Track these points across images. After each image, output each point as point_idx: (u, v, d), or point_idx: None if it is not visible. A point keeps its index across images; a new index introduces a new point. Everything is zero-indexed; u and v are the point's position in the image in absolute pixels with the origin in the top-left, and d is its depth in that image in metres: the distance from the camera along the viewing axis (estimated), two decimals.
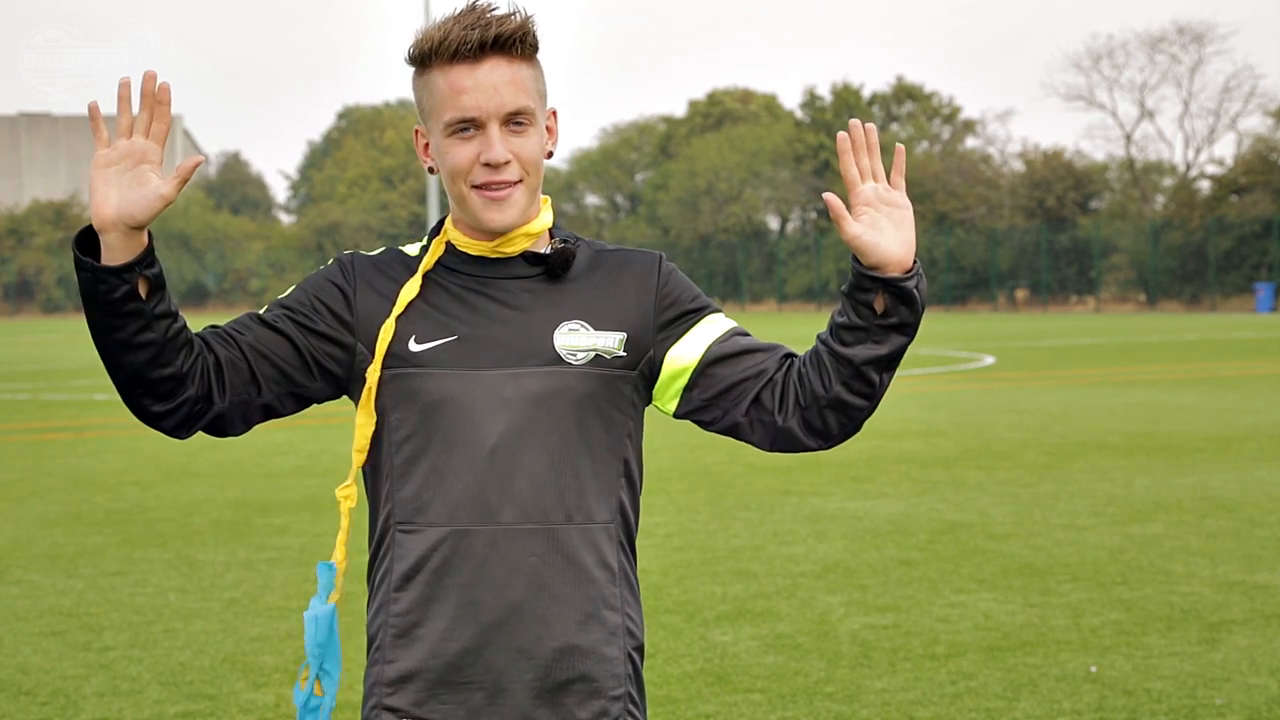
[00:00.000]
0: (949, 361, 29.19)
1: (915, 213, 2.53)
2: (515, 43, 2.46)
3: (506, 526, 2.47)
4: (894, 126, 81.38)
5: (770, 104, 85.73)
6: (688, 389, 2.57)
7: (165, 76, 2.34)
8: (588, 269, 2.57)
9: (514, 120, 2.48)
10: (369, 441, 2.54)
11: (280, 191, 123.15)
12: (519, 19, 2.47)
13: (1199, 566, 8.78)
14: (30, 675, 6.79)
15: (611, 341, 2.53)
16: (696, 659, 6.93)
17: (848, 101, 79.30)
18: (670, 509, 10.98)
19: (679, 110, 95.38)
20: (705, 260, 78.06)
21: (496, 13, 2.47)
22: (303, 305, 2.55)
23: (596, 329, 2.53)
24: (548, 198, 2.61)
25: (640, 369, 2.56)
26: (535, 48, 2.50)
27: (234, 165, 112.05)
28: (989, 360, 29.43)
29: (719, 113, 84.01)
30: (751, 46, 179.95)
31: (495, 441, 2.47)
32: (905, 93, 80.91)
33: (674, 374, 2.57)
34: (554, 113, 2.59)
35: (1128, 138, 72.59)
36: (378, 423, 2.53)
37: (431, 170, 2.56)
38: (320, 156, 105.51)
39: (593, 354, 2.51)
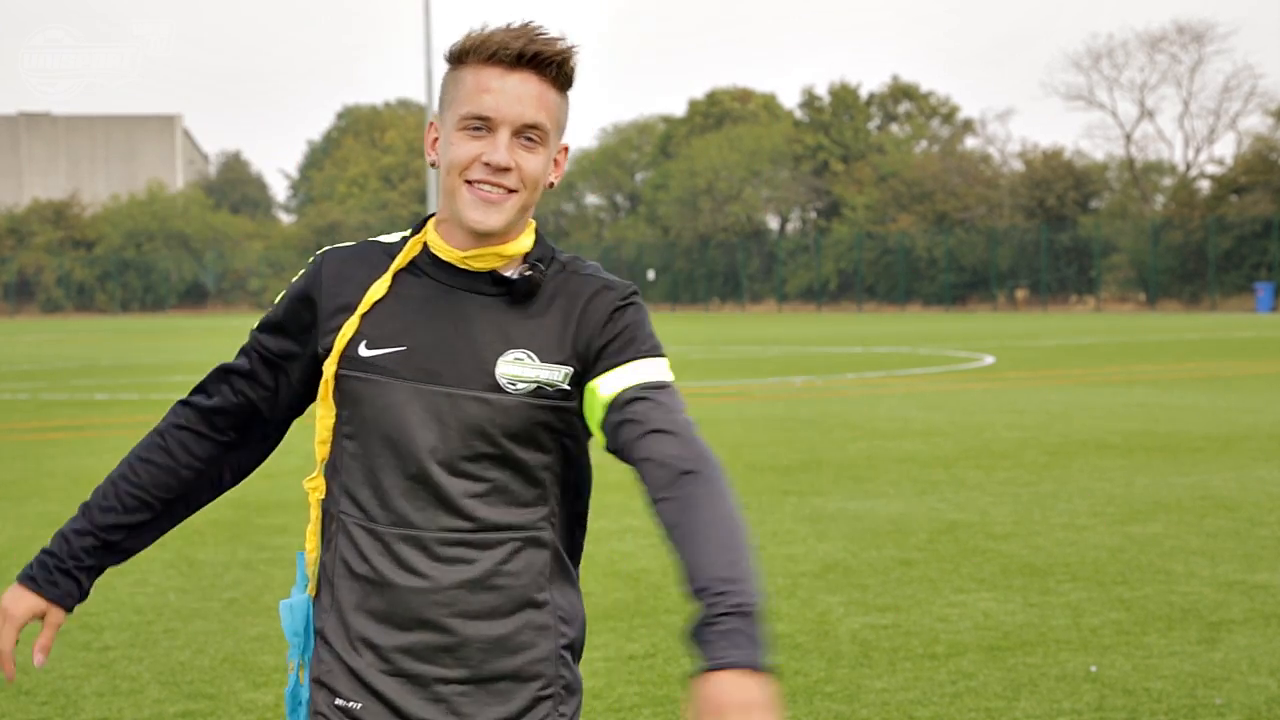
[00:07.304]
0: (949, 361, 29.20)
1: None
2: (552, 65, 2.51)
3: (436, 534, 2.55)
4: (893, 126, 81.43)
5: (769, 103, 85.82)
6: (603, 425, 2.53)
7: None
8: (550, 296, 2.57)
9: (526, 134, 2.51)
10: (330, 433, 2.63)
11: (280, 191, 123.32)
12: (563, 46, 2.52)
13: (1199, 566, 8.78)
14: (30, 675, 6.78)
15: (556, 375, 2.53)
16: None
17: (845, 101, 79.33)
18: None
19: (679, 110, 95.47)
20: (705, 260, 78.06)
21: (545, 35, 2.52)
22: (274, 336, 2.70)
23: (543, 360, 2.53)
24: (534, 223, 2.62)
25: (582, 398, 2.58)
26: (569, 80, 2.55)
27: (234, 165, 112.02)
28: (989, 360, 29.43)
29: (718, 112, 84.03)
30: (751, 46, 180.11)
31: (426, 457, 2.53)
32: (902, 92, 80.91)
33: (590, 405, 2.55)
34: (565, 149, 2.63)
35: (1128, 137, 72.64)
36: (331, 415, 2.63)
37: (434, 164, 2.59)
38: (320, 156, 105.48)
39: (534, 385, 2.53)
